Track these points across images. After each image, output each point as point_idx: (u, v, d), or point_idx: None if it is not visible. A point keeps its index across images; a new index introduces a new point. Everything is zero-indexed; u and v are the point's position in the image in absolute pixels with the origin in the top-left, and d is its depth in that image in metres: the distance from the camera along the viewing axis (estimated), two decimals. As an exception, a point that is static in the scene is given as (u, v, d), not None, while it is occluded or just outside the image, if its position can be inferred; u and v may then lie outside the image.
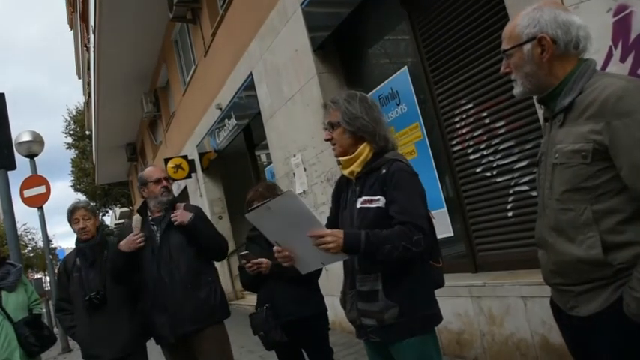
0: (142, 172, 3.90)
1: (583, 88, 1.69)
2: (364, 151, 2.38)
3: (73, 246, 4.10)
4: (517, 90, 1.83)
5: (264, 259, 3.29)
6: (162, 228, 3.62)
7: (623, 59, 2.84)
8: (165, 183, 3.76)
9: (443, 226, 4.81)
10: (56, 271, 5.20)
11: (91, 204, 4.13)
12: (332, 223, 2.53)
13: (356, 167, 2.39)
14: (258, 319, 3.37)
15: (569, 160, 1.68)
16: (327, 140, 2.47)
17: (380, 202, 2.27)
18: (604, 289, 1.66)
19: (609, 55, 2.89)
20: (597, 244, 1.63)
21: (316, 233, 2.15)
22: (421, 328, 2.27)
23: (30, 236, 47.97)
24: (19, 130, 9.72)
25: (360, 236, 2.16)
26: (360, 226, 2.29)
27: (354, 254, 2.22)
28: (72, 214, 3.92)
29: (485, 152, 4.29)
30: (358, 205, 2.34)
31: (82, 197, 36.79)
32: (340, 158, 2.44)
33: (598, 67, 2.88)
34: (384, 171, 2.30)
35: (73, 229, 3.96)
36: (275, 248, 2.37)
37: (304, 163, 6.63)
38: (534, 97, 1.87)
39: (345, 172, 2.46)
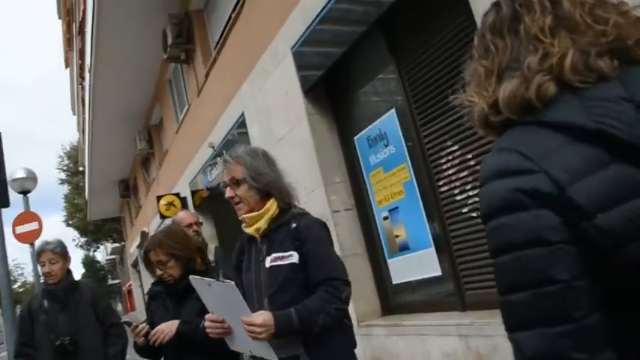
0: (174, 216, 4.29)
1: None
2: (272, 207, 2.25)
3: None
4: None
5: (162, 327, 2.71)
6: None
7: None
8: (196, 228, 4.09)
9: (431, 265, 4.88)
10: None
11: (62, 245, 3.88)
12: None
13: (263, 224, 2.24)
14: None
15: None
16: (229, 198, 2.30)
17: (293, 257, 2.15)
18: None
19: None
20: None
21: (248, 320, 1.99)
22: None
23: (19, 271, 47.40)
24: (13, 166, 9.78)
25: (291, 318, 2.02)
26: (272, 285, 2.16)
27: (287, 336, 2.06)
28: (38, 257, 3.76)
29: (470, 193, 4.39)
30: (267, 264, 2.20)
31: (75, 232, 36.68)
32: (245, 216, 2.28)
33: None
34: (293, 225, 2.20)
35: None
36: (208, 316, 2.22)
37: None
38: None
39: (250, 230, 2.30)
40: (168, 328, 2.69)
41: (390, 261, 5.56)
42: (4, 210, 7.01)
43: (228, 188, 2.29)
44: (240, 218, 2.33)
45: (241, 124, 8.28)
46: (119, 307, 42.98)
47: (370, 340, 5.52)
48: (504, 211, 0.90)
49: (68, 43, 23.31)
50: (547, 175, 0.87)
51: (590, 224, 0.85)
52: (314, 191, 6.11)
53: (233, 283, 2.05)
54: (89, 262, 43.72)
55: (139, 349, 2.87)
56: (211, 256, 3.86)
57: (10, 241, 6.90)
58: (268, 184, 2.24)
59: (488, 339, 4.01)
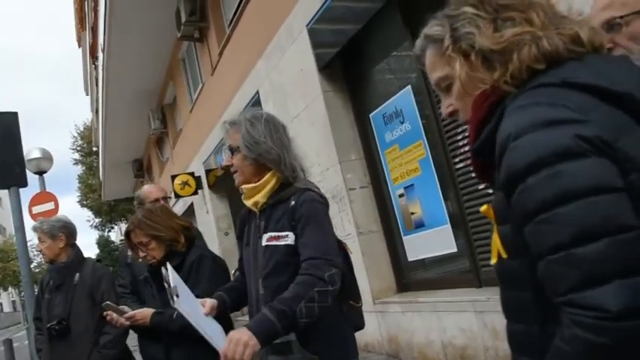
0: (139, 190, 3.75)
1: None
2: (270, 180, 2.04)
3: None
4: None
5: (137, 316, 2.62)
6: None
7: None
8: (163, 203, 3.54)
9: (446, 242, 4.89)
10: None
11: (53, 224, 3.57)
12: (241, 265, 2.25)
13: (261, 197, 2.05)
14: None
15: None
16: (226, 166, 2.14)
17: (288, 238, 1.97)
18: None
19: None
20: None
21: (224, 350, 1.75)
22: None
23: (35, 252, 47.98)
24: (28, 146, 9.84)
25: (268, 319, 1.79)
26: (266, 266, 2.00)
27: (275, 339, 1.83)
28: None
29: (487, 169, 4.37)
30: (263, 243, 2.03)
31: (89, 213, 36.99)
32: (243, 186, 2.10)
33: None
34: (292, 202, 1.99)
35: None
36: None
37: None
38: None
39: (248, 203, 2.11)
40: (142, 316, 2.62)
41: (405, 238, 5.58)
42: (20, 191, 7.08)
43: (226, 155, 2.12)
44: (237, 188, 2.17)
45: (256, 102, 8.26)
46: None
47: (385, 317, 5.56)
48: (563, 159, 0.86)
49: (81, 22, 23.31)
50: (598, 125, 0.88)
51: (638, 176, 0.87)
52: (329, 169, 6.11)
53: (182, 309, 1.86)
54: (103, 243, 44.09)
55: (139, 333, 2.84)
56: None
57: (26, 222, 6.91)
58: (262, 154, 2.00)
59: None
